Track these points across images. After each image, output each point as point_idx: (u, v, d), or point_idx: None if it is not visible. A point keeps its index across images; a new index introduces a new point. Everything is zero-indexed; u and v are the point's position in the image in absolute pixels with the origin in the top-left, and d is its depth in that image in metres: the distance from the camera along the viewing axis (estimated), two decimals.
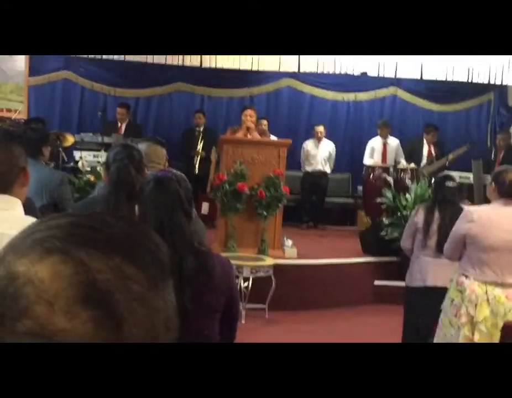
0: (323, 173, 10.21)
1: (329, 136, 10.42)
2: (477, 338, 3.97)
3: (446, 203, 4.91)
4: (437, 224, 4.88)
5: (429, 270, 4.87)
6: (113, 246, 0.64)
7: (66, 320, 0.60)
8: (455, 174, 7.14)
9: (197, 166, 9.54)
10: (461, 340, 4.00)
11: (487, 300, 3.96)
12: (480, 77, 7.47)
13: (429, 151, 9.71)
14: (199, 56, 7.40)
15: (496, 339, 3.85)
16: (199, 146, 9.61)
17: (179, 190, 2.34)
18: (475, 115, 11.37)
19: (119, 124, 9.62)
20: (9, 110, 9.86)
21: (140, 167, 3.16)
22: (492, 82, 7.69)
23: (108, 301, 0.61)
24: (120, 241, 0.66)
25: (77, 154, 8.30)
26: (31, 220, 2.04)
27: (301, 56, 7.36)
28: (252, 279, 6.50)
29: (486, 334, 3.95)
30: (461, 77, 7.47)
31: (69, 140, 8.68)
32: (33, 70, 10.24)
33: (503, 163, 7.08)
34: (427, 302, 4.63)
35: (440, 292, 4.33)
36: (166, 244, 2.18)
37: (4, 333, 0.61)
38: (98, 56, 7.37)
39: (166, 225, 2.25)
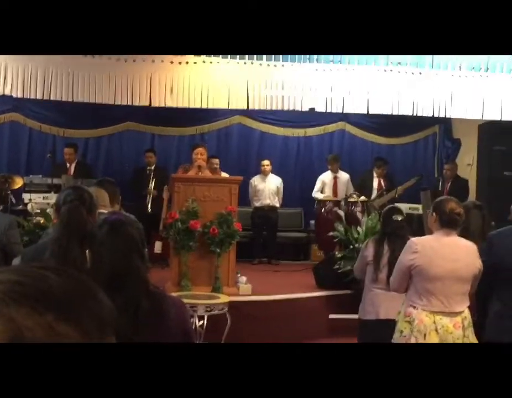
0: (272, 207, 10.27)
1: (280, 171, 10.54)
2: None
3: (394, 236, 4.99)
4: (387, 257, 4.96)
5: (381, 303, 4.94)
6: (47, 303, 0.66)
7: None
8: (405, 206, 7.31)
9: (149, 205, 9.51)
10: None
11: (436, 329, 4.01)
12: (425, 111, 7.66)
13: (379, 184, 9.86)
14: (148, 96, 7.41)
15: None
16: (151, 185, 9.60)
17: (134, 233, 2.37)
18: (422, 147, 11.63)
19: (68, 165, 9.56)
20: None
21: (91, 209, 3.17)
22: (436, 115, 7.89)
23: None
24: (56, 298, 0.67)
25: (26, 196, 8.23)
26: None
27: (249, 94, 7.45)
28: (208, 317, 6.48)
29: None
30: (406, 111, 7.64)
31: (18, 182, 8.62)
32: None
33: (450, 193, 7.25)
34: (380, 335, 4.64)
35: (393, 325, 4.33)
36: (122, 287, 2.21)
37: None
38: (46, 97, 7.33)
39: (122, 269, 2.25)
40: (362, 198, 9.27)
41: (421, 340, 4.03)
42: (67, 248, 2.84)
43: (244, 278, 7.61)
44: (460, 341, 4.04)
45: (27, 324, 0.63)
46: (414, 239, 4.27)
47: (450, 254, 4.08)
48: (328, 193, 10.16)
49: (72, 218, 2.98)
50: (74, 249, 2.79)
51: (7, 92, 7.15)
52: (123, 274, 2.23)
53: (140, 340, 2.07)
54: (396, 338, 4.21)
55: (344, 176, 10.27)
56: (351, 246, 7.69)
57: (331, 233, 8.17)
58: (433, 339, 4.02)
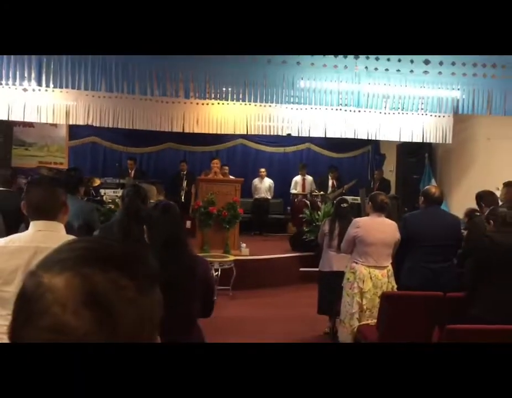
0: (266, 199, 10.24)
1: (268, 175, 10.51)
2: (364, 302, 4.02)
3: (342, 217, 4.98)
4: (338, 231, 4.95)
5: (334, 260, 4.93)
6: (112, 264, 0.62)
7: (74, 318, 0.57)
8: (349, 198, 7.26)
9: (182, 196, 9.45)
10: (354, 304, 4.05)
11: (371, 277, 4.02)
12: (362, 135, 7.62)
13: (333, 183, 9.81)
14: (182, 125, 7.35)
15: (376, 302, 3.92)
16: (184, 184, 9.55)
17: (177, 212, 2.32)
18: (360, 159, 11.58)
19: (130, 171, 9.49)
20: (55, 163, 9.68)
21: (144, 200, 3.16)
22: (369, 138, 7.86)
23: (106, 304, 0.59)
24: (119, 260, 0.63)
25: (102, 191, 8.17)
26: (70, 237, 2.02)
27: (248, 124, 7.40)
28: (221, 269, 6.48)
29: (370, 299, 4.00)
30: (350, 135, 7.61)
31: (97, 182, 8.55)
32: (71, 136, 10.07)
33: (378, 190, 7.22)
34: (333, 281, 4.66)
35: (341, 275, 4.36)
36: (171, 251, 2.13)
37: (29, 328, 0.58)
38: (115, 126, 7.27)
39: (172, 237, 2.20)
40: (322, 192, 9.24)
41: (360, 284, 4.02)
42: (128, 226, 2.82)
43: (244, 244, 7.58)
44: (385, 285, 4.02)
45: (98, 279, 0.59)
46: (357, 219, 4.27)
47: (380, 228, 4.07)
48: (299, 189, 10.12)
49: (131, 206, 2.95)
50: (133, 226, 2.75)
51: (89, 122, 7.08)
52: (173, 240, 2.18)
53: (179, 286, 2.03)
54: (344, 283, 4.20)
55: (309, 178, 10.22)
56: (314, 224, 7.66)
57: (301, 215, 8.15)
58: (369, 283, 4.01)
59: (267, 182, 10.31)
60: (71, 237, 2.04)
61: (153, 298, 0.65)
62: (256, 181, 10.32)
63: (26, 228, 2.10)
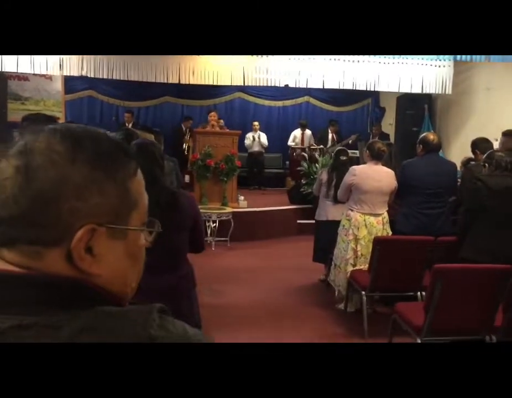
0: (260, 153, 10.17)
1: (266, 129, 10.39)
2: (359, 249, 4.06)
3: (340, 169, 4.91)
4: (335, 181, 4.91)
5: (330, 210, 4.93)
6: (60, 132, 0.64)
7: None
8: (348, 151, 7.19)
9: (185, 150, 9.33)
10: (349, 251, 4.08)
11: (365, 225, 4.04)
12: (361, 86, 7.48)
13: (333, 137, 9.71)
14: (177, 76, 7.19)
15: (371, 249, 3.93)
16: (187, 137, 9.41)
17: (155, 150, 2.21)
18: (359, 113, 11.42)
19: (127, 124, 9.36)
20: None
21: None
22: (368, 90, 7.73)
23: (28, 155, 0.61)
24: (69, 132, 0.65)
25: None
26: None
27: (244, 75, 7.25)
28: (218, 221, 6.51)
29: (364, 246, 4.04)
30: (348, 86, 7.46)
31: None
32: (67, 90, 9.89)
33: None
34: (328, 230, 4.68)
35: (337, 224, 4.37)
36: (149, 189, 2.09)
37: None
38: (110, 77, 7.10)
39: (148, 176, 2.12)
40: (321, 146, 9.17)
41: (355, 231, 4.04)
42: None
43: (242, 197, 7.59)
44: (380, 232, 4.04)
45: (39, 138, 0.62)
46: (354, 166, 4.24)
47: (376, 176, 4.05)
48: (298, 143, 10.04)
49: None
50: None
51: (83, 73, 6.95)
52: (148, 180, 2.10)
53: (162, 221, 2.00)
54: (340, 230, 4.23)
55: (308, 132, 10.10)
56: (311, 177, 7.63)
57: (298, 168, 8.12)
58: (363, 230, 4.03)
59: (261, 135, 10.18)
60: None
61: (91, 176, 0.61)
62: (249, 135, 10.16)
63: None
